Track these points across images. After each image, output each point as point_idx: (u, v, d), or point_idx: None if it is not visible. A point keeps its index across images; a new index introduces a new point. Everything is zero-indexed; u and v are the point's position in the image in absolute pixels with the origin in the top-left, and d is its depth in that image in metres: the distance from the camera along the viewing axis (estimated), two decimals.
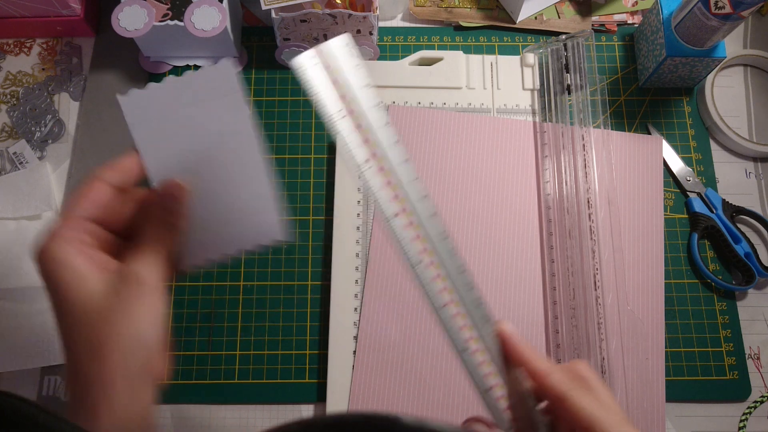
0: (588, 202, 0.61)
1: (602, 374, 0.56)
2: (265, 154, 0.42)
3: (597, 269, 0.59)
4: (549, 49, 0.67)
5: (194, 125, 0.41)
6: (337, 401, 0.57)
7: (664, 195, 0.65)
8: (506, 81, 0.67)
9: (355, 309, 0.59)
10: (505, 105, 0.66)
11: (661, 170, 0.64)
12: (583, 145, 0.63)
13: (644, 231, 0.62)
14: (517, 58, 0.68)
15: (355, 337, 0.58)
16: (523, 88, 0.67)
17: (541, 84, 0.67)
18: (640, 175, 0.64)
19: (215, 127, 0.41)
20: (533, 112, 0.66)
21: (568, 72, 0.65)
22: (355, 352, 0.58)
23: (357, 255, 0.61)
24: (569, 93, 0.65)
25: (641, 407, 0.56)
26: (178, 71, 0.68)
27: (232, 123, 0.41)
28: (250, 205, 0.43)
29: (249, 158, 0.42)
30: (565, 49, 0.65)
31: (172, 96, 0.41)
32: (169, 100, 0.41)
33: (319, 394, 0.58)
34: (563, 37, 0.66)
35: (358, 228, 0.61)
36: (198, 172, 0.41)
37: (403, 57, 0.68)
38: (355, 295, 0.60)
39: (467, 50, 0.70)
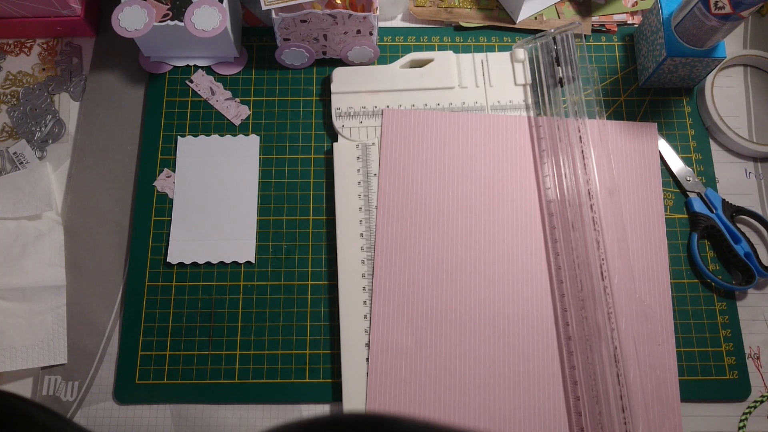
0: (589, 192, 0.61)
1: (615, 363, 0.56)
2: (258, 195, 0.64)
3: (603, 259, 0.59)
4: (539, 43, 0.67)
5: (219, 166, 0.64)
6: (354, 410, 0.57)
7: (664, 195, 0.65)
8: (498, 78, 0.67)
9: (365, 316, 0.59)
10: (498, 102, 0.66)
11: (657, 155, 0.65)
12: (580, 137, 0.63)
13: (646, 217, 0.62)
14: (507, 54, 0.68)
15: (367, 345, 0.58)
16: (515, 84, 0.67)
17: (533, 78, 0.67)
18: (637, 161, 0.64)
19: (231, 172, 0.64)
20: (527, 107, 0.66)
21: (559, 65, 0.65)
22: (368, 359, 0.58)
23: (363, 262, 0.60)
24: (562, 85, 0.65)
25: (657, 393, 0.57)
26: (178, 71, 0.68)
27: (243, 173, 0.64)
28: (236, 230, 0.62)
29: (247, 198, 0.63)
30: (555, 42, 0.65)
31: (211, 148, 0.65)
32: (208, 148, 0.65)
33: (319, 394, 0.58)
34: (552, 30, 0.66)
35: (361, 235, 0.61)
36: (210, 195, 0.63)
37: (403, 57, 0.68)
38: (364, 302, 0.59)
39: (467, 50, 0.69)
